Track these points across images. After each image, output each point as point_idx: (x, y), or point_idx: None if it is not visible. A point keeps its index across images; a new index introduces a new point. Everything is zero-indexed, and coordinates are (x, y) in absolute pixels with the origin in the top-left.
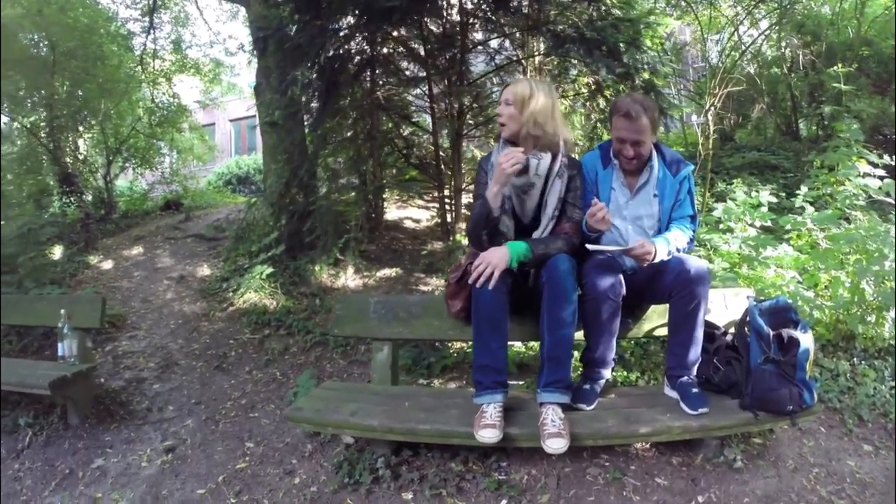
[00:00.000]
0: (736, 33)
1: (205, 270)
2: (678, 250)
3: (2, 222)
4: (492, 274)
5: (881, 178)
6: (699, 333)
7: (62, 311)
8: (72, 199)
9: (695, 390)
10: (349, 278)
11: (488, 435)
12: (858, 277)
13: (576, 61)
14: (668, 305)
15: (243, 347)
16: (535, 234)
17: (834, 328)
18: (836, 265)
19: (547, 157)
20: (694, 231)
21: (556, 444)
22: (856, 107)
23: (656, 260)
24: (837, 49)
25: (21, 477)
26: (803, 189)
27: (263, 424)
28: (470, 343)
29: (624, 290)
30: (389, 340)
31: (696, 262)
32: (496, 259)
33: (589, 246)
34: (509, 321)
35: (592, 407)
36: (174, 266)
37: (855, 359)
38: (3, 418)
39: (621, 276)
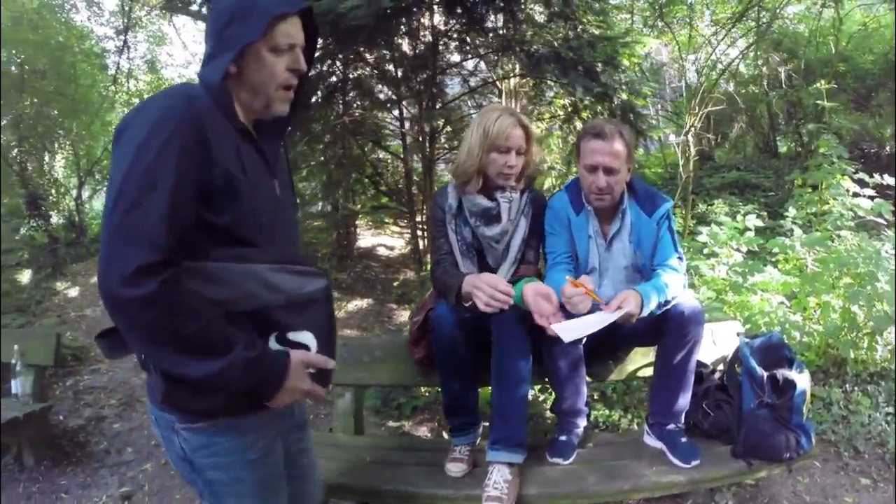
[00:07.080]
0: (714, 52)
1: None
2: (673, 299)
3: None
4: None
5: (871, 197)
6: (690, 379)
7: (15, 347)
8: (39, 222)
9: (683, 439)
10: None
11: (454, 469)
12: (851, 302)
13: (552, 83)
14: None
15: None
16: None
17: (824, 354)
18: (827, 288)
19: (516, 196)
20: (685, 274)
21: None
22: (835, 123)
23: (644, 314)
24: (815, 66)
25: None
26: (791, 211)
27: None
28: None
29: (584, 339)
30: (352, 386)
31: (690, 302)
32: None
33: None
34: (475, 363)
35: (570, 461)
36: None
37: (847, 385)
38: None
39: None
